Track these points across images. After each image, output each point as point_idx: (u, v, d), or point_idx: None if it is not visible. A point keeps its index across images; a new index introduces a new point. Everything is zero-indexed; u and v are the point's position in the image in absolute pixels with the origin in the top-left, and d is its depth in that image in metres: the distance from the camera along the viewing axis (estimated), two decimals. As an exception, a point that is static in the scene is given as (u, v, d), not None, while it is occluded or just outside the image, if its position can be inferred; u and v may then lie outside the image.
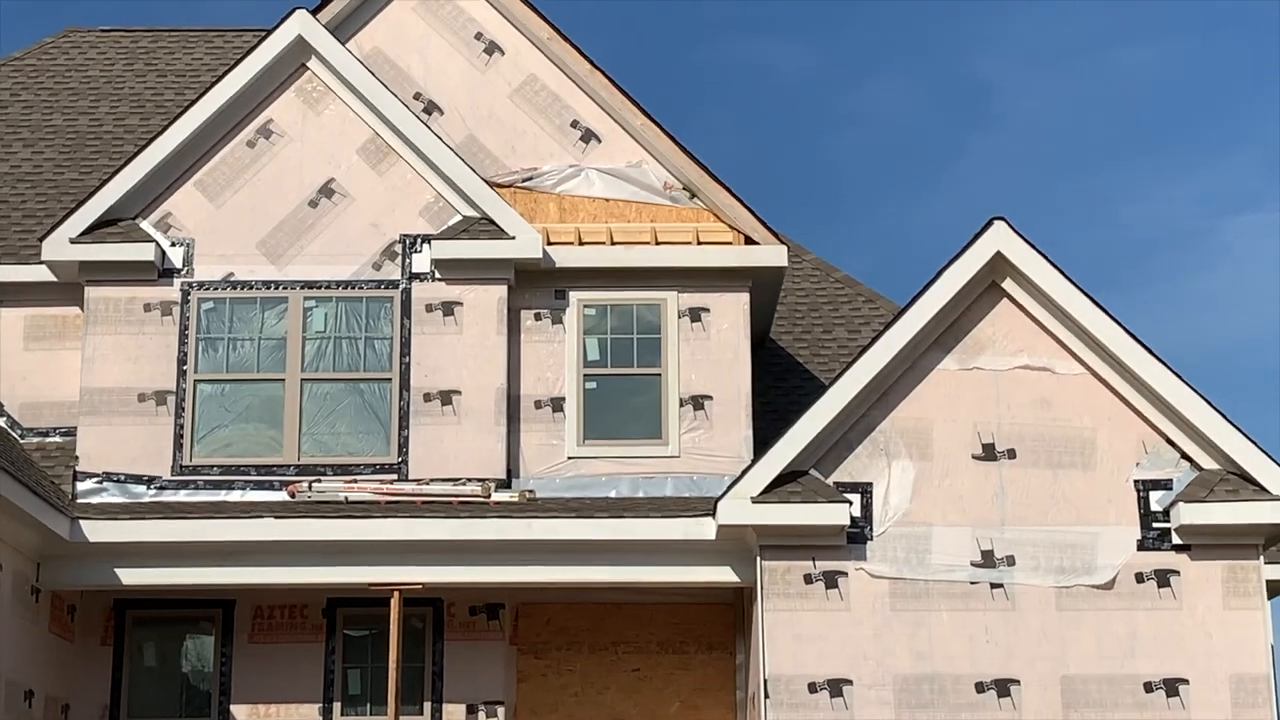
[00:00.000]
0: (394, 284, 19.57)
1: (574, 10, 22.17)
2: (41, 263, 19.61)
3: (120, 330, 19.38)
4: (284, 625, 19.31)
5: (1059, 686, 17.23)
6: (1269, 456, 17.46)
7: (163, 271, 19.56)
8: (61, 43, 25.60)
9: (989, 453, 17.75)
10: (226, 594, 19.14)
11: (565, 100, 20.52)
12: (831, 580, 17.44)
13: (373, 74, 20.04)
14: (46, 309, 20.03)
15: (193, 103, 19.98)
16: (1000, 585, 17.44)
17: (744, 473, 17.67)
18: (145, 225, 19.68)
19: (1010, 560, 17.47)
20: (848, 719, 17.13)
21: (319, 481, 18.82)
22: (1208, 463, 17.65)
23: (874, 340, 17.95)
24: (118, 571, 18.10)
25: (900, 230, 54.79)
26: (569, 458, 19.32)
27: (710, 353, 19.59)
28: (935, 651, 17.30)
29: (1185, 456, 17.71)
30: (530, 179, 20.29)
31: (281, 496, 18.79)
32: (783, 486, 17.47)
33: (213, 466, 19.04)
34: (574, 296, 19.76)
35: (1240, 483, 17.48)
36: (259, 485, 18.98)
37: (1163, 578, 17.44)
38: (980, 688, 17.25)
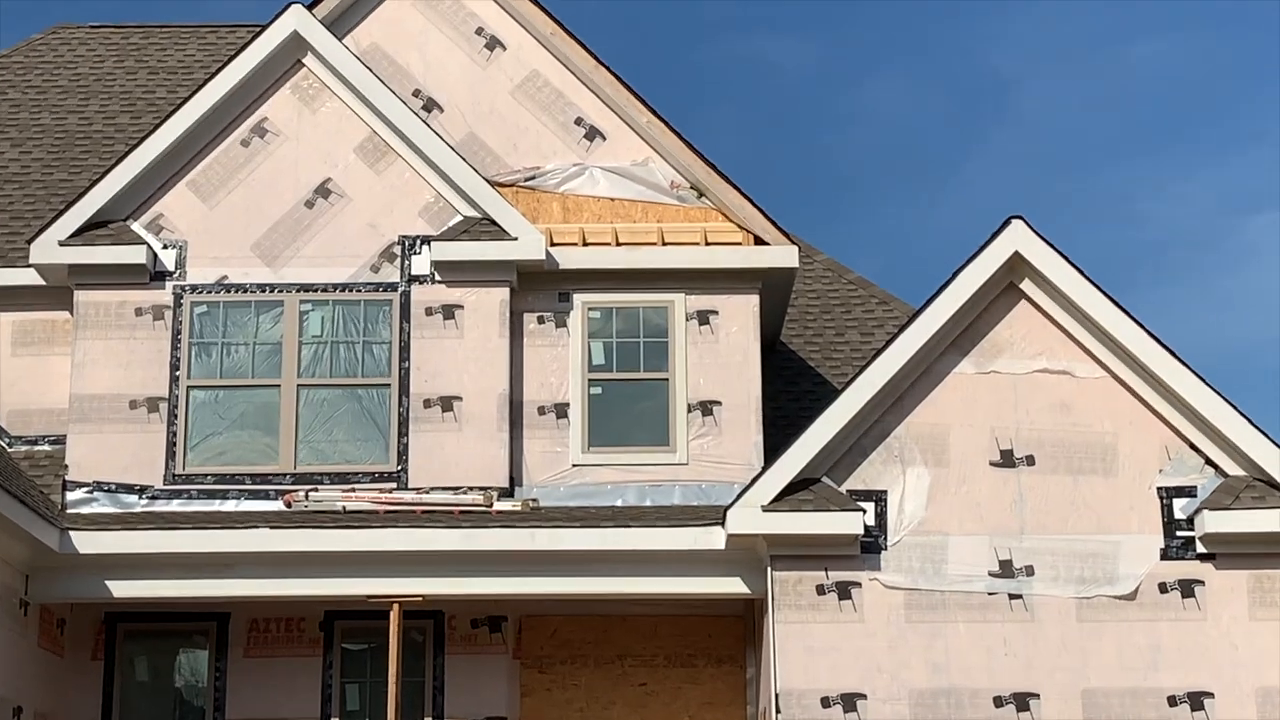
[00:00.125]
0: (392, 286, 19.46)
1: (575, 8, 22.03)
2: (29, 266, 19.51)
3: (111, 335, 19.27)
4: (280, 639, 19.22)
5: (1080, 700, 17.10)
6: (1296, 462, 17.35)
7: (154, 274, 19.45)
8: (50, 39, 25.49)
9: (1007, 459, 17.62)
10: (221, 607, 19.04)
11: (569, 97, 20.41)
12: (845, 591, 17.32)
13: (370, 70, 19.93)
14: (35, 313, 19.90)
15: (185, 101, 19.88)
16: (1019, 596, 17.31)
17: (754, 480, 17.56)
18: (136, 227, 19.56)
19: (1029, 570, 17.35)
20: (862, 734, 17.04)
21: (316, 490, 18.71)
22: (1233, 469, 17.53)
23: (888, 343, 17.84)
24: (109, 584, 18.01)
25: (913, 230, 54.71)
26: (573, 465, 19.21)
27: (719, 356, 19.48)
28: (952, 664, 17.17)
29: (1210, 462, 17.58)
30: (533, 178, 20.18)
31: (277, 506, 18.68)
32: (794, 494, 17.36)
33: (206, 475, 18.93)
34: (578, 299, 19.65)
35: (1267, 489, 17.36)
36: (254, 495, 18.86)
37: (1187, 588, 17.31)
38: (999, 701, 17.12)
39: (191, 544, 17.81)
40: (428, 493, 18.69)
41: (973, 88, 56.86)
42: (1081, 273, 17.78)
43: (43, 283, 19.60)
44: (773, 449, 18.55)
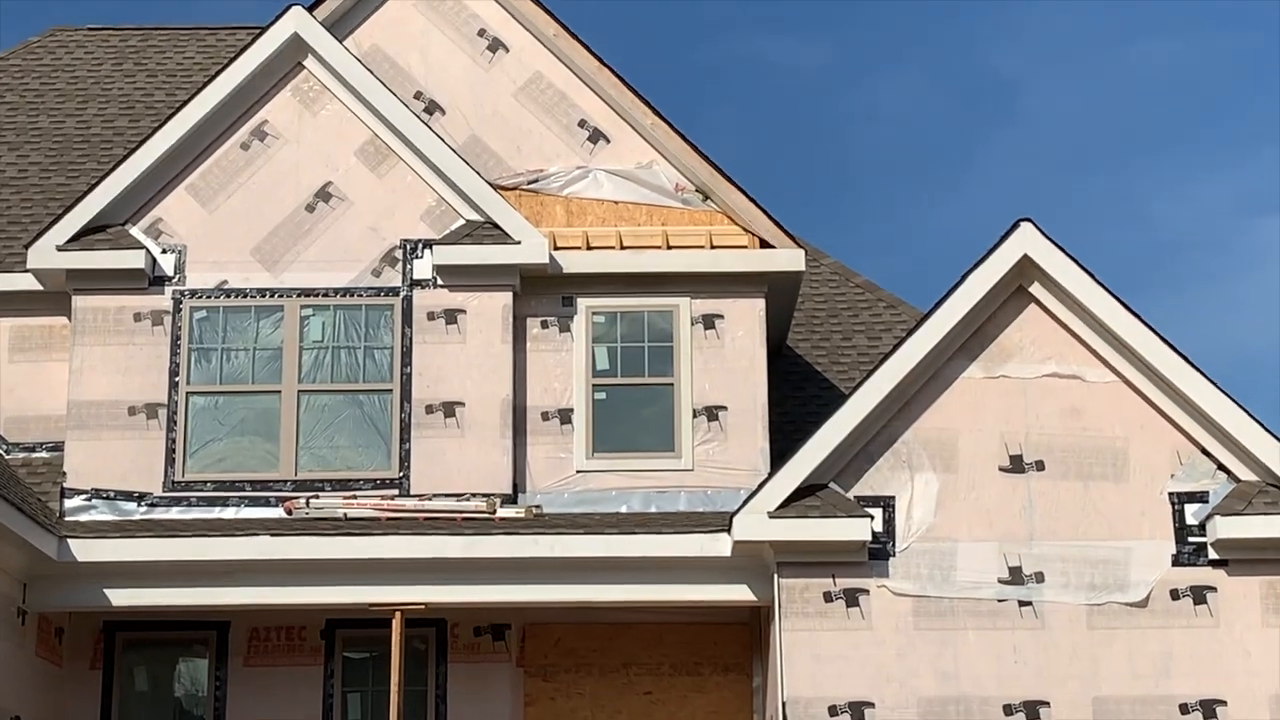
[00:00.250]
0: (394, 291, 19.49)
1: (577, 9, 22.06)
2: (27, 271, 19.56)
3: (109, 341, 19.31)
4: (281, 648, 19.24)
5: (1091, 708, 17.12)
6: (1310, 467, 17.38)
7: (153, 279, 19.49)
8: (47, 42, 25.55)
9: (1016, 464, 17.65)
10: (221, 615, 19.07)
11: (572, 99, 20.45)
12: (852, 598, 17.34)
13: (371, 73, 19.98)
14: (32, 319, 19.96)
15: (184, 104, 19.92)
16: (1029, 603, 17.33)
17: (760, 486, 17.59)
18: (135, 231, 19.61)
19: (1039, 577, 17.37)
20: (870, 743, 17.06)
21: (317, 497, 18.74)
22: (1245, 474, 17.55)
23: (896, 347, 17.87)
24: (107, 592, 18.03)
25: (920, 233, 54.69)
26: (577, 471, 19.24)
27: (724, 361, 19.51)
28: (961, 672, 17.19)
29: (1222, 467, 17.61)
30: (536, 181, 20.22)
31: (278, 513, 18.71)
32: (801, 501, 17.39)
33: (206, 482, 18.96)
34: (582, 303, 19.69)
35: (1280, 494, 17.40)
36: (254, 502, 18.89)
37: (1199, 594, 17.33)
38: (1009, 710, 17.13)
39: (191, 552, 17.83)
40: (430, 499, 18.72)
41: (979, 88, 56.92)
42: (1091, 276, 17.81)
43: (40, 288, 19.65)
44: (779, 455, 18.57)
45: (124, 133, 23.34)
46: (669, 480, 19.18)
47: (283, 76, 20.09)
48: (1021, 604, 17.34)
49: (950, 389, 17.85)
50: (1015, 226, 17.95)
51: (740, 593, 18.05)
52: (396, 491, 18.90)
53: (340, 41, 20.15)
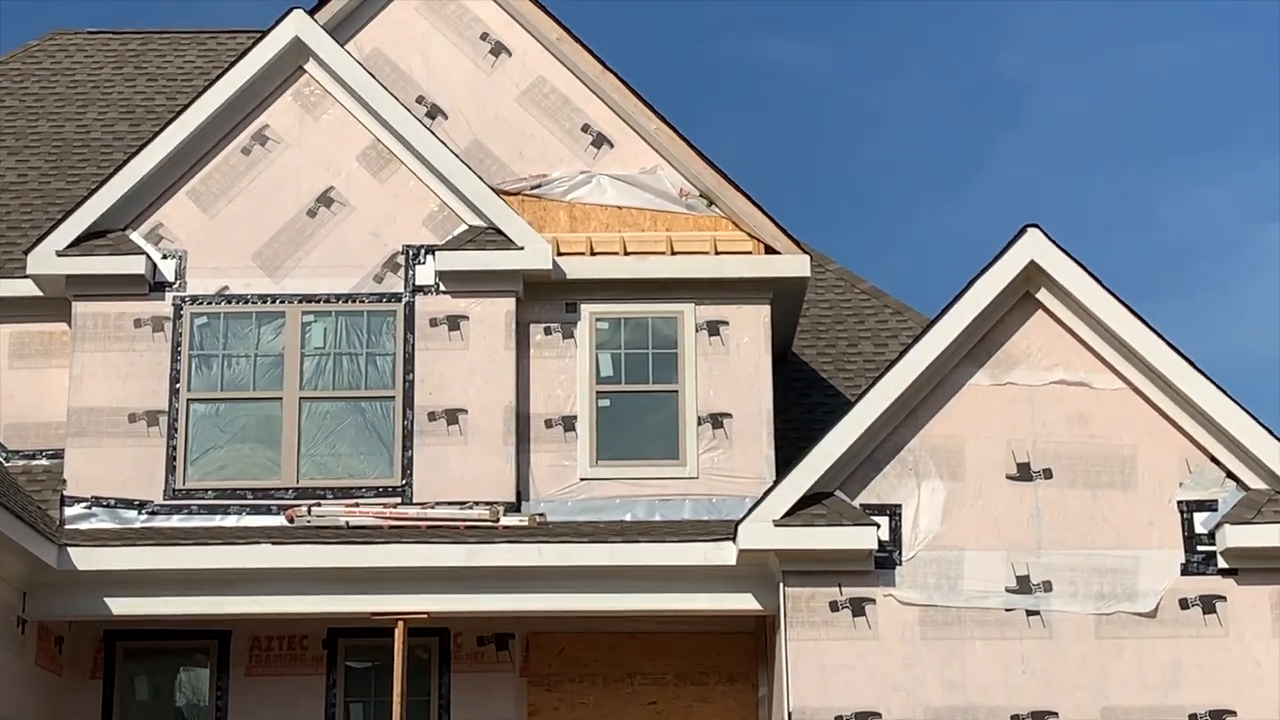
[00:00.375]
0: (396, 297, 19.54)
1: (580, 9, 22.12)
2: (27, 277, 19.62)
3: (109, 347, 19.36)
4: (283, 657, 19.29)
5: (1099, 718, 17.14)
6: (1320, 475, 17.42)
7: (154, 285, 19.54)
8: (47, 45, 25.61)
9: (1024, 472, 17.69)
10: (222, 624, 19.11)
11: (575, 103, 20.51)
12: (859, 607, 17.38)
13: (373, 77, 20.03)
14: (32, 325, 20.01)
15: (185, 108, 19.98)
16: (1036, 612, 17.37)
17: (765, 494, 17.63)
18: (135, 237, 19.67)
19: (1047, 586, 17.41)
20: (876, 754, 17.11)
21: (319, 505, 18.78)
22: (1255, 482, 17.58)
23: (902, 354, 17.91)
24: (108, 601, 18.08)
25: (927, 237, 54.74)
26: (581, 479, 19.28)
27: (729, 368, 19.56)
28: (969, 682, 17.23)
29: (1231, 476, 17.64)
30: (539, 186, 20.27)
31: (279, 521, 18.76)
32: (807, 509, 17.43)
33: (207, 490, 19.01)
34: (586, 309, 19.73)
35: (1289, 503, 17.42)
36: (255, 510, 18.94)
37: (1208, 604, 17.36)
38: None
39: (192, 560, 17.88)
40: (433, 507, 18.76)
41: (985, 91, 56.95)
42: (1099, 282, 17.85)
43: (40, 294, 19.72)
44: (785, 462, 18.62)
45: (124, 137, 23.40)
46: (673, 488, 19.22)
47: (284, 80, 20.14)
48: (1029, 613, 17.37)
49: (957, 396, 17.89)
50: (1022, 232, 17.99)
51: (746, 602, 18.09)
52: (399, 499, 18.94)
53: (342, 45, 20.20)
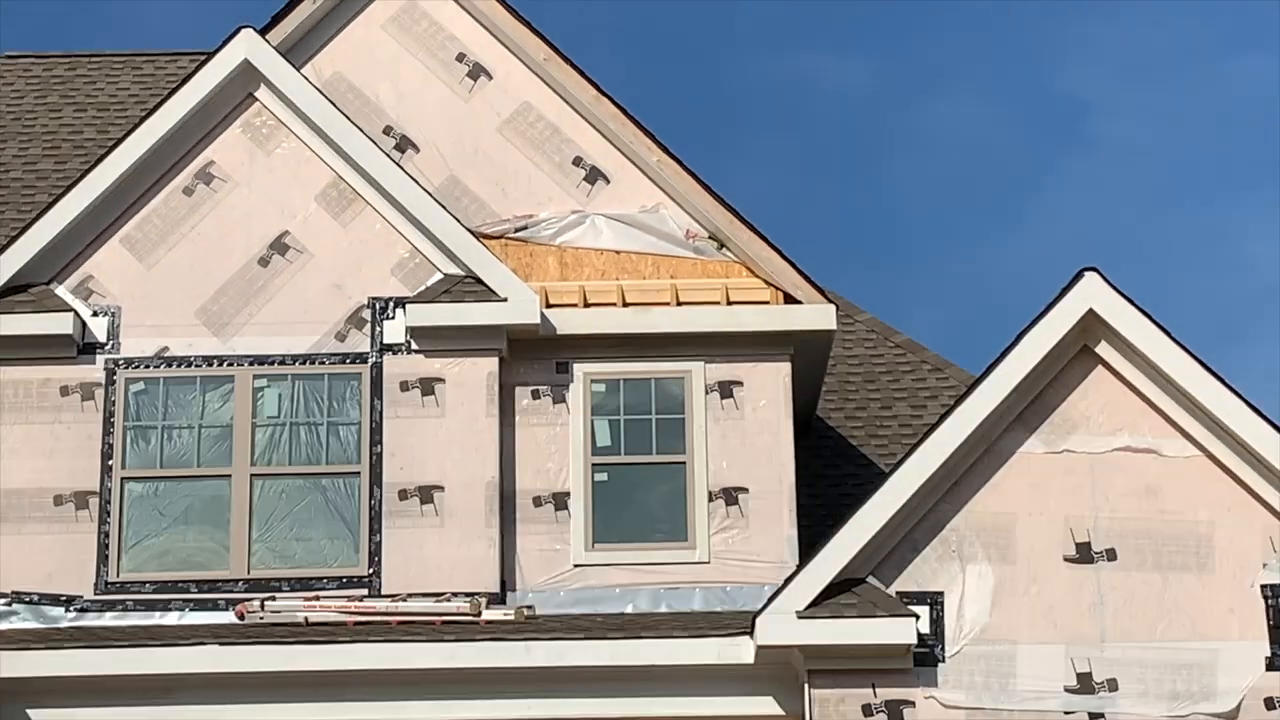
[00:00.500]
0: (362, 358, 19.54)
1: (575, 25, 22.16)
2: (-65, 339, 19.60)
3: (32, 419, 19.35)
4: (233, 773, 19.18)
5: (1174, 838, 17.10)
6: None
7: (83, 347, 19.54)
8: (-40, 71, 25.69)
9: (1084, 553, 17.65)
10: (163, 737, 19.03)
11: (566, 133, 20.55)
12: (896, 711, 17.32)
13: (334, 105, 20.07)
14: (-56, 394, 19.98)
15: (118, 142, 20.03)
16: (1101, 715, 17.30)
17: (787, 581, 17.57)
18: (61, 291, 19.67)
19: (1112, 684, 17.34)
20: None
21: (273, 599, 18.74)
22: (1350, 564, 17.57)
23: (943, 418, 17.89)
24: (30, 714, 17.97)
25: (972, 281, 54.59)
26: (575, 566, 19.26)
27: (745, 435, 19.55)
28: (1024, 796, 17.18)
29: (1323, 556, 17.63)
30: (525, 228, 20.31)
31: (229, 618, 18.72)
32: (835, 598, 17.37)
33: (145, 583, 18.97)
34: (579, 370, 19.74)
35: (1390, 587, 17.39)
36: (201, 605, 18.90)
37: (1299, 704, 17.32)
38: (1079, 841, 17.12)
39: (127, 665, 17.78)
40: (404, 600, 18.72)
41: (1044, 113, 56.96)
42: (1167, 333, 17.81)
43: (-48, 358, 19.71)
44: (809, 544, 18.56)
45: (49, 176, 23.46)
46: (681, 575, 19.19)
47: (232, 110, 20.18)
48: (1092, 716, 17.30)
49: (1006, 466, 17.85)
50: (1079, 276, 17.97)
51: (766, 705, 17.98)
52: (366, 591, 18.91)
53: (298, 69, 20.25)
